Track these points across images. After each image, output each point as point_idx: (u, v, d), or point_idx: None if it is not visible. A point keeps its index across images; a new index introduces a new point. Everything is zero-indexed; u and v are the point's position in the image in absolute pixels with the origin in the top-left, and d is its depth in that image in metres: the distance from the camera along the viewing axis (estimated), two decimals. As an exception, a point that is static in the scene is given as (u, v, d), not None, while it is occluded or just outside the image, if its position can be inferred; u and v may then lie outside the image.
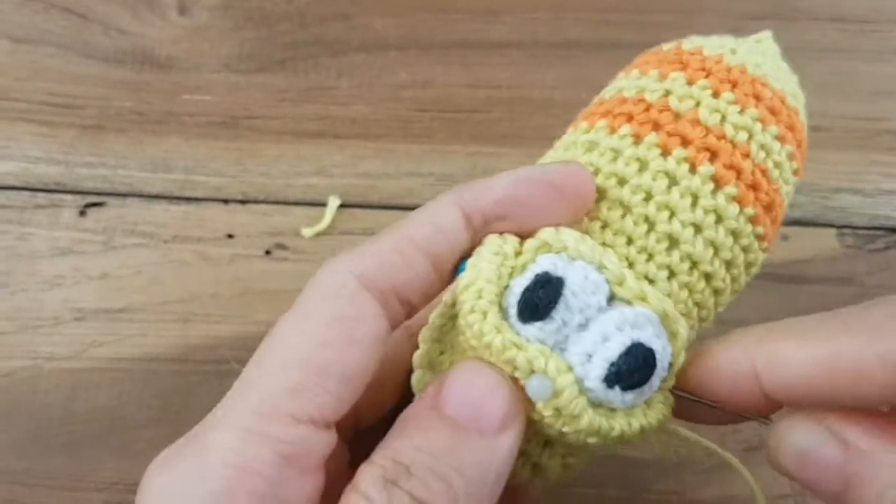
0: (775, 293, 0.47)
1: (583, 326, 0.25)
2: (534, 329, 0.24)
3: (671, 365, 0.26)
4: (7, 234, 0.47)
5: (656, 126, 0.28)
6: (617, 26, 0.55)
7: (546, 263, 0.25)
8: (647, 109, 0.29)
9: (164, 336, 0.45)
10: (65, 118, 0.51)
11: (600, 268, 0.26)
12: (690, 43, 0.31)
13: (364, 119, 0.52)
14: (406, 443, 0.23)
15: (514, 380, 0.24)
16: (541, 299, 0.24)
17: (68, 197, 0.49)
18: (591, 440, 0.25)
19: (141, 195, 0.49)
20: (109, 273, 0.47)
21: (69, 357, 0.44)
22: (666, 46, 0.32)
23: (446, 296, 0.27)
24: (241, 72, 0.53)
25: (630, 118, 0.29)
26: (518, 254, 0.26)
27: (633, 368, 0.24)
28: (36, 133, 0.50)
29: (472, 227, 0.26)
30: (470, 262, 0.25)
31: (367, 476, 0.23)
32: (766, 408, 0.25)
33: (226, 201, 0.49)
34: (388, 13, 0.54)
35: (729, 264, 0.28)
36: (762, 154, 0.29)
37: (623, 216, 0.27)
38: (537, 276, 0.25)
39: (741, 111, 0.29)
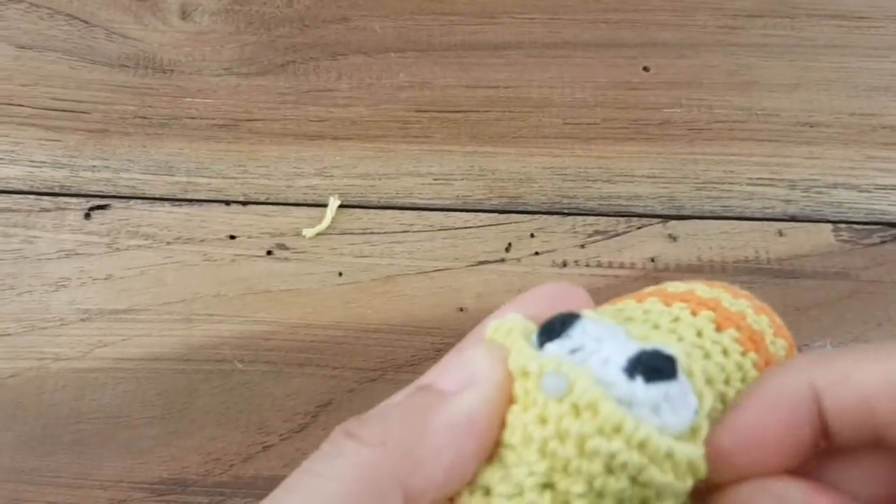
0: (772, 288, 0.47)
1: (596, 351, 0.24)
2: (552, 346, 0.24)
3: (699, 408, 0.24)
4: (14, 237, 0.48)
5: (729, 321, 0.29)
6: (613, 26, 0.55)
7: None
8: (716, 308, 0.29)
9: (168, 336, 0.46)
10: (69, 123, 0.52)
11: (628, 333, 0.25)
12: (675, 287, 0.32)
13: (363, 120, 0.52)
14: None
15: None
16: (557, 320, 0.24)
17: (73, 200, 0.49)
18: (622, 456, 0.22)
19: (144, 197, 0.50)
20: (114, 274, 0.47)
21: (75, 357, 0.45)
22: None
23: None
24: (242, 75, 0.53)
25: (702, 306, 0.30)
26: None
27: (653, 356, 0.23)
28: (41, 138, 0.51)
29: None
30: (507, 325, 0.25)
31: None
32: (810, 448, 0.23)
33: (228, 203, 0.50)
34: (387, 16, 0.55)
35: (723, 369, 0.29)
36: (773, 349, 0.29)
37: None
38: (559, 314, 0.24)
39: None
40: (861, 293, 0.48)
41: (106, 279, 0.47)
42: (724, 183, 0.51)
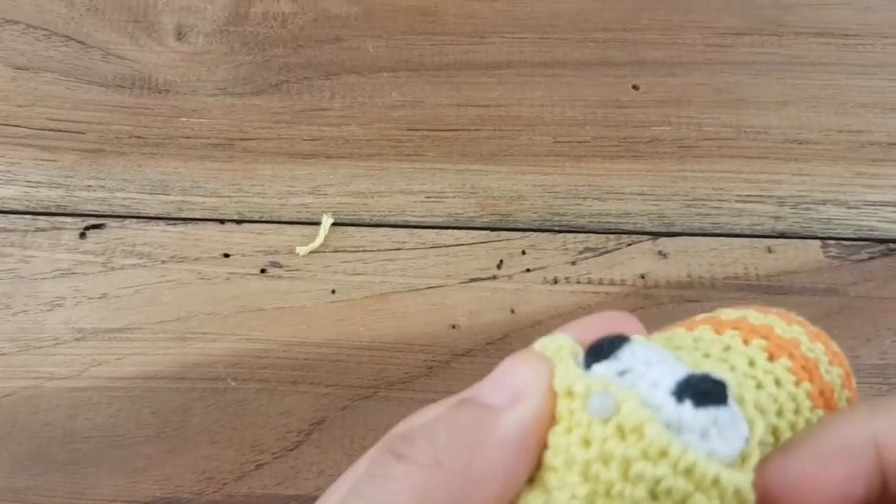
0: (761, 304, 0.47)
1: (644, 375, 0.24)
2: (599, 367, 0.23)
3: (749, 436, 0.23)
4: (9, 256, 0.49)
5: (782, 349, 0.28)
6: (602, 45, 0.56)
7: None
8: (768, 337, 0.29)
9: (162, 354, 0.46)
10: (65, 143, 0.52)
11: (679, 360, 0.25)
12: (727, 315, 0.32)
13: (356, 139, 0.53)
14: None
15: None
16: (606, 341, 0.24)
17: (69, 220, 0.50)
18: (667, 481, 0.22)
19: (139, 217, 0.50)
20: (109, 293, 0.48)
21: (69, 376, 0.45)
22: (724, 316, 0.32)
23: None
24: (236, 95, 0.54)
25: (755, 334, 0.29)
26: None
27: (703, 379, 0.22)
28: (37, 158, 0.52)
29: None
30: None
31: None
32: (862, 500, 0.22)
33: (222, 221, 0.50)
34: (379, 36, 0.56)
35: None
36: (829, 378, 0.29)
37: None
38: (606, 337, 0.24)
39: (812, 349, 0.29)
40: (850, 309, 0.48)
41: (101, 298, 0.48)
42: (713, 200, 0.51)
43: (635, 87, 0.54)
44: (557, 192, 0.51)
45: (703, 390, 0.22)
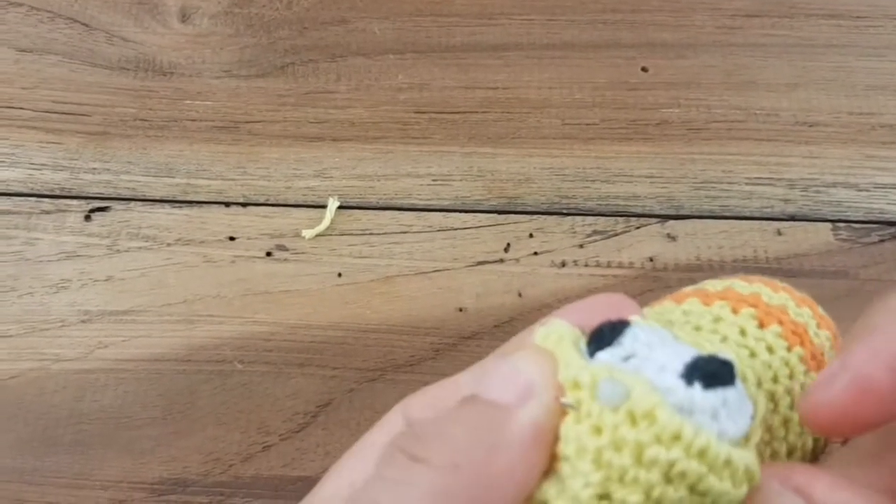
0: (770, 287, 0.47)
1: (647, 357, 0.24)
2: (603, 354, 0.23)
3: (754, 413, 0.24)
4: (14, 239, 0.49)
5: (771, 316, 0.28)
6: (611, 26, 0.55)
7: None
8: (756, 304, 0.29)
9: (168, 337, 0.46)
10: (70, 125, 0.52)
11: (677, 338, 0.25)
12: (713, 286, 0.32)
13: (362, 122, 0.52)
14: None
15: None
16: (607, 327, 0.23)
17: (74, 202, 0.50)
18: (681, 464, 0.22)
19: (144, 199, 0.50)
20: (114, 276, 0.48)
21: (76, 358, 0.45)
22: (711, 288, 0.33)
23: None
24: (241, 77, 0.54)
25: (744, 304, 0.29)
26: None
27: (710, 361, 0.23)
28: (42, 140, 0.52)
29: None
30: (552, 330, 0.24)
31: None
32: None
33: (227, 204, 0.50)
34: (386, 17, 0.55)
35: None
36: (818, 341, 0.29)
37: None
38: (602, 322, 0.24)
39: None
40: (860, 292, 0.48)
41: (106, 281, 0.47)
42: (722, 182, 0.51)
43: (644, 69, 0.54)
44: (566, 175, 0.51)
45: (712, 371, 0.22)
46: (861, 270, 0.48)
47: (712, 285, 0.30)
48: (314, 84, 0.54)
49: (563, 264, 0.48)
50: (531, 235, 0.49)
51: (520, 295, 0.48)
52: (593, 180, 0.51)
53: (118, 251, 0.48)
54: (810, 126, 0.53)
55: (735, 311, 0.28)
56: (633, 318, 0.24)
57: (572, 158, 0.51)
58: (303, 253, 0.48)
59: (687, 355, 0.23)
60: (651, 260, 0.48)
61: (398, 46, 0.55)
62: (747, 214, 0.50)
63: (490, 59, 0.54)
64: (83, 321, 0.46)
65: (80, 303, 0.47)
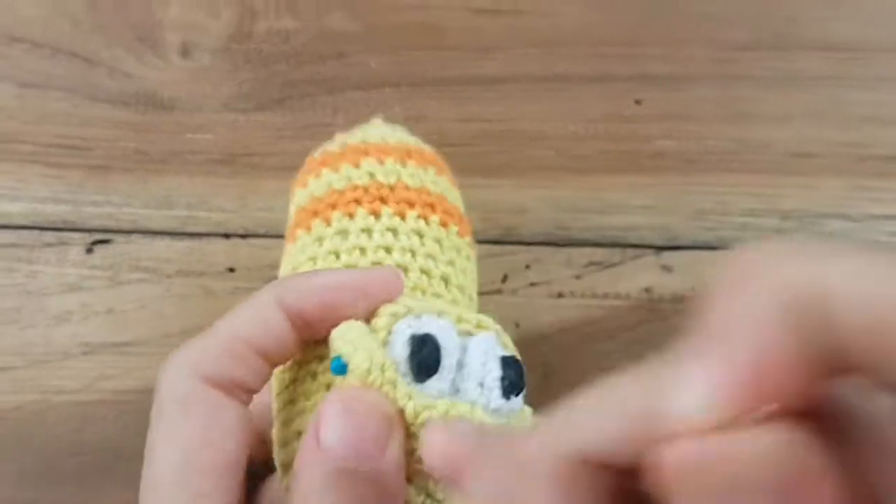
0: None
1: (460, 364, 0.27)
2: (433, 382, 0.26)
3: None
4: (17, 271, 0.49)
5: (383, 201, 0.33)
6: (606, 59, 0.56)
7: (405, 328, 0.27)
8: (366, 191, 0.33)
9: (168, 369, 0.46)
10: (72, 159, 0.53)
11: (440, 314, 0.28)
12: (353, 137, 0.37)
13: (361, 154, 0.53)
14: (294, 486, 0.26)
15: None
16: (429, 356, 0.26)
17: (76, 235, 0.50)
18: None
19: (145, 232, 0.50)
20: (115, 308, 0.48)
21: (77, 390, 0.46)
22: (330, 146, 0.38)
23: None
24: (240, 111, 0.54)
25: (359, 202, 0.33)
26: (374, 330, 0.28)
27: (518, 373, 0.28)
28: (44, 174, 0.52)
29: (295, 327, 0.29)
30: (350, 348, 0.26)
31: None
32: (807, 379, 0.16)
33: (227, 236, 0.50)
34: (383, 51, 0.56)
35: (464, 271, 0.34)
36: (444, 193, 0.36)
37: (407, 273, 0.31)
38: (411, 338, 0.27)
39: (424, 171, 0.36)
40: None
41: (108, 312, 0.48)
42: (717, 214, 0.51)
43: (638, 102, 0.55)
44: (561, 206, 0.51)
45: (521, 384, 0.28)
46: (855, 300, 0.48)
47: (337, 147, 0.37)
48: (312, 117, 0.54)
49: (560, 295, 0.49)
50: (528, 266, 0.50)
51: (517, 326, 0.48)
52: (589, 211, 0.51)
53: (119, 283, 0.49)
54: (804, 157, 0.53)
55: (375, 215, 0.33)
56: (431, 326, 0.27)
57: (568, 190, 0.52)
58: (302, 285, 0.49)
59: (495, 368, 0.27)
60: (647, 290, 0.49)
61: (395, 80, 0.55)
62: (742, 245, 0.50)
63: (486, 91, 0.55)
64: (85, 353, 0.47)
65: (81, 335, 0.47)
